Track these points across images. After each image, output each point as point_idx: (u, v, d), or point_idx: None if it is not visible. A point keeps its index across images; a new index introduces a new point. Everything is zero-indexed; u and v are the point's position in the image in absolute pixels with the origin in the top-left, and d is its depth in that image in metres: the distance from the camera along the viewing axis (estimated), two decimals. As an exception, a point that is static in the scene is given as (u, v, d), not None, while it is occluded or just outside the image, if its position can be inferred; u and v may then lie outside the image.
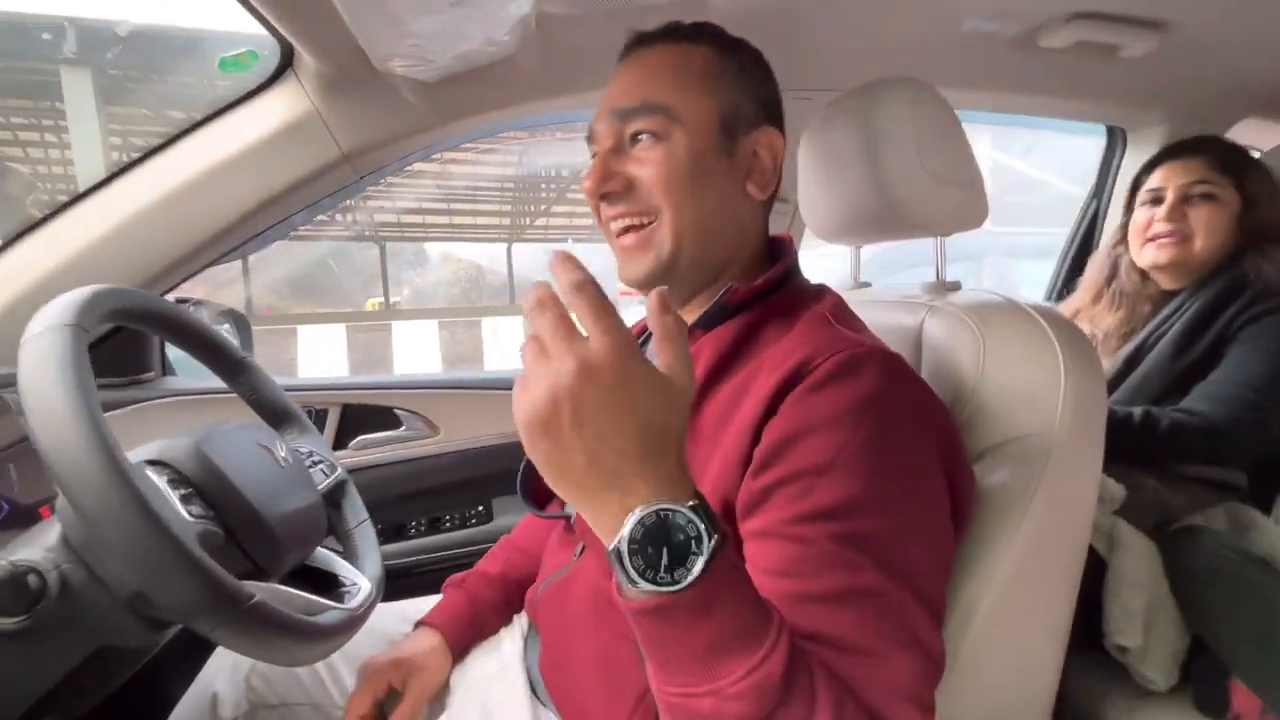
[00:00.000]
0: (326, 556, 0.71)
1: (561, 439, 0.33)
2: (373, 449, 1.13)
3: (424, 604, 0.81)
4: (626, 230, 0.59)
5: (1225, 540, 0.83)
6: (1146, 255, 1.09)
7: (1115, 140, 1.37)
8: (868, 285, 0.91)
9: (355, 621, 0.61)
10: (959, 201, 0.73)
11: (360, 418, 1.12)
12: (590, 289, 0.35)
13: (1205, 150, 1.07)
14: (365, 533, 0.76)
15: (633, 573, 0.34)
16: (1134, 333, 1.10)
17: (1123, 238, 1.15)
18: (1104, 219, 1.40)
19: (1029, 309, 0.67)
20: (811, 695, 0.37)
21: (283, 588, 0.56)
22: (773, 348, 0.55)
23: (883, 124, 0.70)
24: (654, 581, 0.34)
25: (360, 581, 0.67)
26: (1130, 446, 0.90)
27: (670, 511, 0.34)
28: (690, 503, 0.34)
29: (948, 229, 0.77)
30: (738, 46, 0.63)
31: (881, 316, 0.77)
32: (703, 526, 0.34)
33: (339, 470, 0.77)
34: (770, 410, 0.49)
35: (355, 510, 0.78)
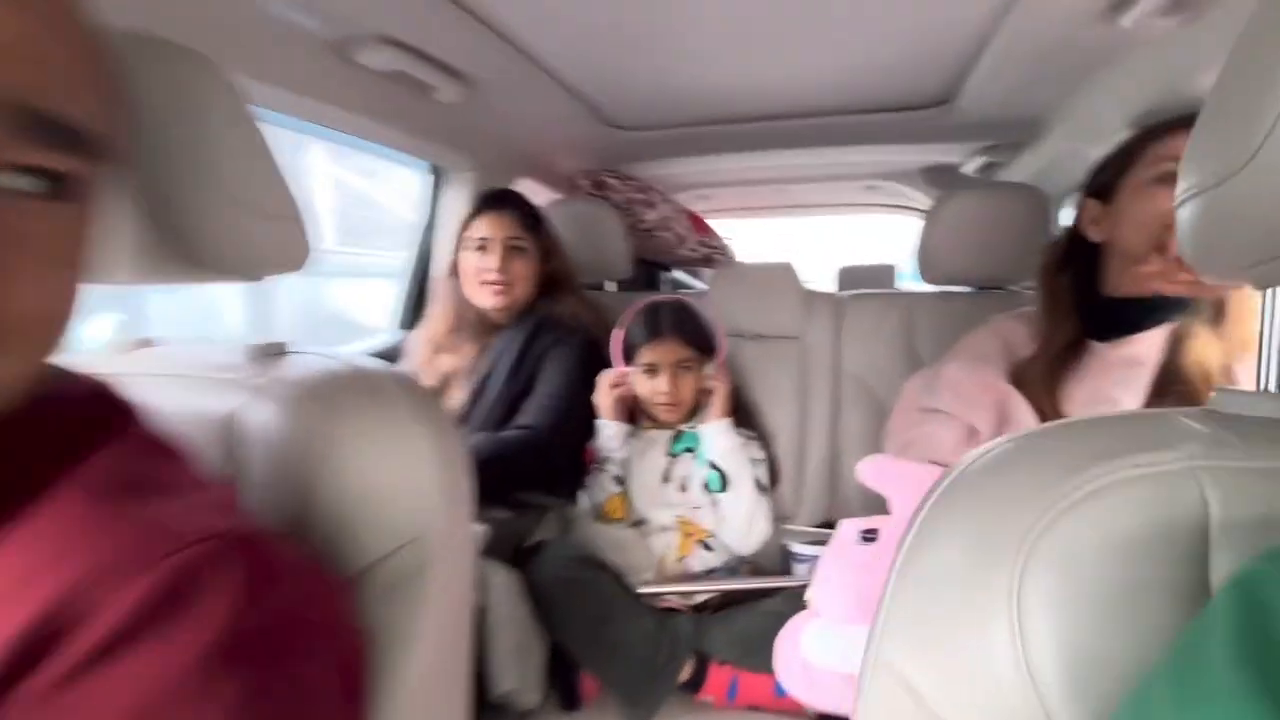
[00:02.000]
0: None
1: None
2: None
3: None
4: None
5: (560, 549, 0.96)
6: (483, 298, 1.19)
7: (439, 178, 1.46)
8: (149, 343, 0.61)
9: None
10: (278, 234, 0.54)
11: None
12: None
13: (515, 205, 1.23)
14: None
15: None
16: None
17: (456, 270, 1.23)
18: (435, 248, 1.49)
19: (383, 374, 0.54)
20: None
21: None
22: None
23: (152, 104, 0.44)
24: None
25: None
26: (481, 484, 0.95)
27: None
28: None
29: (262, 270, 0.56)
30: None
31: (179, 400, 0.51)
32: None
33: None
34: None
35: None
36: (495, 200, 1.23)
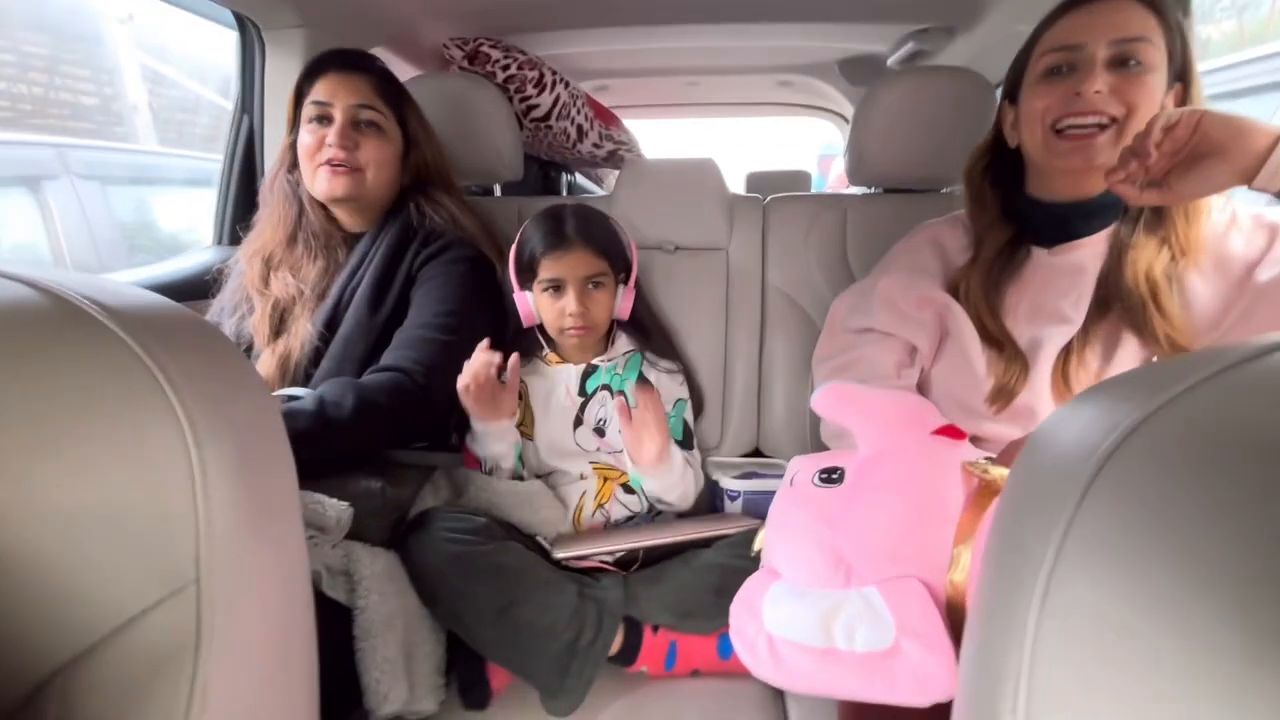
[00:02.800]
0: None
1: None
2: None
3: None
4: None
5: (449, 519, 0.76)
6: (320, 184, 0.90)
7: (249, 36, 1.09)
8: None
9: None
10: None
11: None
12: None
13: (366, 67, 0.92)
14: None
15: None
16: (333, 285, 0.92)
17: (294, 160, 0.93)
18: (262, 137, 1.13)
19: (75, 300, 0.30)
20: None
21: None
22: None
23: None
24: None
25: None
26: (333, 446, 0.72)
27: None
28: None
29: None
30: None
31: None
32: None
33: None
34: None
35: None
36: (338, 59, 0.91)
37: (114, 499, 0.27)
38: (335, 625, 0.64)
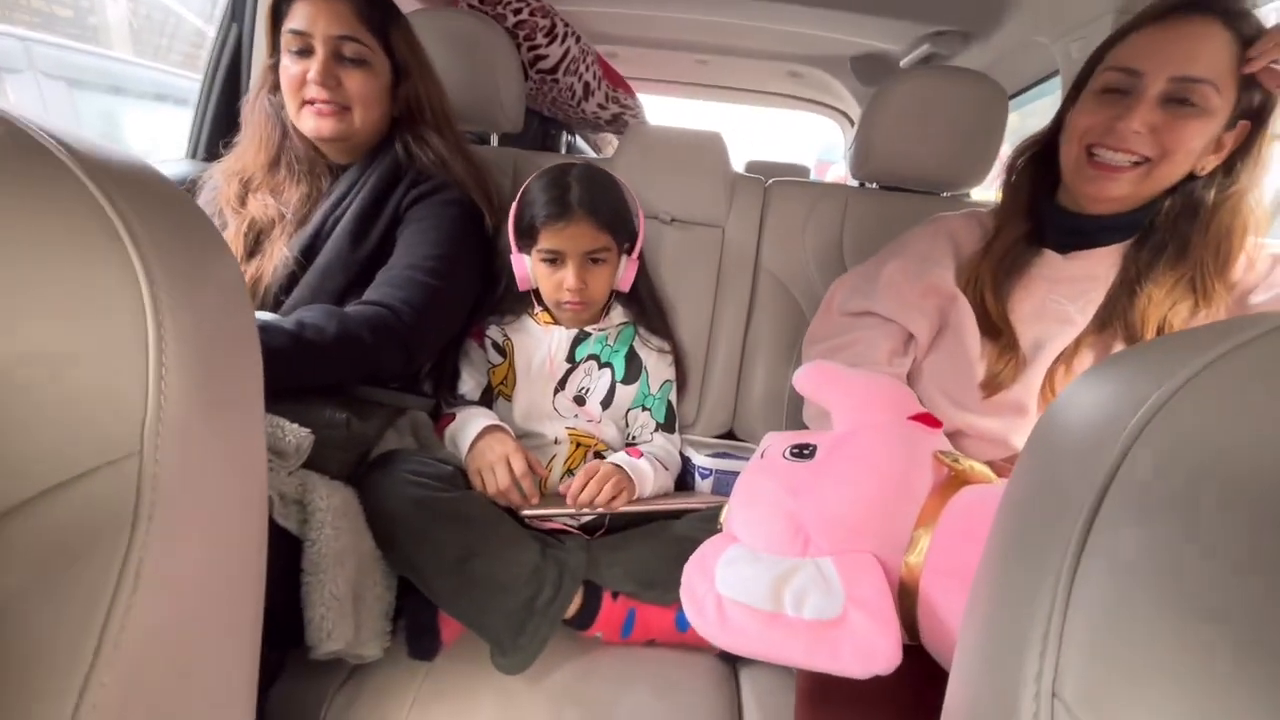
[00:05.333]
0: None
1: None
2: None
3: None
4: None
5: (415, 461, 0.73)
6: (305, 122, 0.85)
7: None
8: None
9: None
10: None
11: None
12: None
13: None
14: None
15: None
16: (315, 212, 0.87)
17: (276, 82, 0.87)
18: (250, 50, 1.06)
19: (34, 133, 0.26)
20: None
21: None
22: None
23: None
24: None
25: None
26: (308, 371, 0.67)
27: None
28: None
29: None
30: None
31: None
32: None
33: None
34: None
35: None
36: None
37: (57, 351, 0.24)
38: (283, 555, 0.60)
